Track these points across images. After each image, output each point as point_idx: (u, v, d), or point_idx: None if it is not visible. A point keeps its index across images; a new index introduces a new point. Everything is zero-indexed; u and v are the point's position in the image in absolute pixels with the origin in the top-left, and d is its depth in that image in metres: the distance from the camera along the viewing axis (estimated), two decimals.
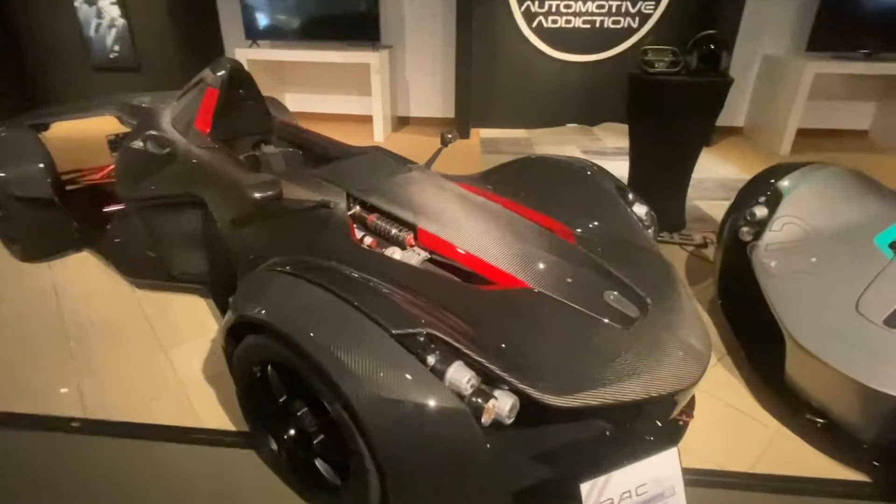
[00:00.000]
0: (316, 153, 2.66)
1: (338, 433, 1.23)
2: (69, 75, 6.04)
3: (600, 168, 2.31)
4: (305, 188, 1.91)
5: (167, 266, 2.35)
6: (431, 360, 1.16)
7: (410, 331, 1.20)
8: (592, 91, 5.63)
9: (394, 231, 1.80)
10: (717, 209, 3.41)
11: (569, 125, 5.81)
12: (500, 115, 5.75)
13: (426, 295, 1.45)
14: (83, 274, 2.62)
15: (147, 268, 2.46)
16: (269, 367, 1.41)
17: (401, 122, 6.03)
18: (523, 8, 5.30)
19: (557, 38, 5.41)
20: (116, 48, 5.84)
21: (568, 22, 5.35)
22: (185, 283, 2.36)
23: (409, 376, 1.13)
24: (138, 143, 2.57)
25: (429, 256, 1.75)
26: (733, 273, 2.19)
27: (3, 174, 2.46)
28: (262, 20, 5.19)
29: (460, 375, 1.14)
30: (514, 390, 1.18)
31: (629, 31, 5.35)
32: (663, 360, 1.38)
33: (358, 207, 1.90)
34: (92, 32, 5.81)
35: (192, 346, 2.10)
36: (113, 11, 5.68)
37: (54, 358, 2.02)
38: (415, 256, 1.73)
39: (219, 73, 2.43)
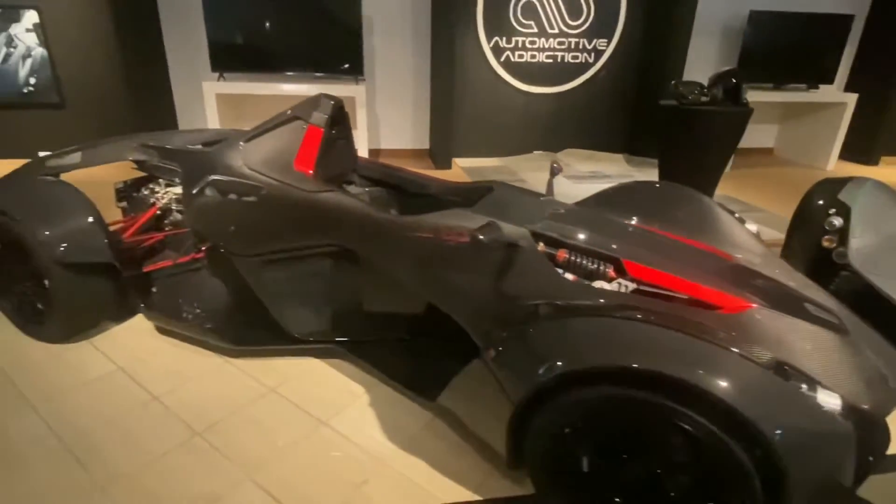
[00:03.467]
0: (409, 190, 2.52)
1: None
2: None
3: (695, 190, 2.49)
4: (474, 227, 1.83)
5: (286, 326, 2.06)
6: (804, 386, 1.19)
7: (765, 360, 1.22)
8: (556, 120, 6.01)
9: (593, 265, 1.79)
10: None
11: (536, 152, 6.11)
12: (473, 145, 5.88)
13: (698, 326, 1.46)
14: (153, 351, 2.18)
15: (254, 332, 2.12)
16: (581, 421, 1.33)
17: (371, 154, 5.89)
18: (492, 43, 5.54)
19: (524, 71, 5.72)
20: (31, 82, 5.00)
21: (533, 57, 5.68)
22: (308, 345, 2.08)
23: (807, 405, 1.14)
24: (212, 191, 2.25)
25: (636, 287, 1.76)
26: (821, 276, 2.48)
27: (49, 236, 1.98)
28: (232, 51, 4.78)
29: (828, 398, 1.19)
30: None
31: (586, 66, 5.82)
32: (874, 375, 1.50)
33: (542, 244, 1.86)
34: None
35: (354, 412, 1.86)
36: (28, 39, 4.86)
37: (200, 455, 1.66)
38: (625, 288, 1.73)
39: (323, 112, 2.22)
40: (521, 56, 5.65)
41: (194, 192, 2.30)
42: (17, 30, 4.83)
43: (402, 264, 1.83)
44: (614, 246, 1.81)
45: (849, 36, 5.73)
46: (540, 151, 6.13)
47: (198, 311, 2.25)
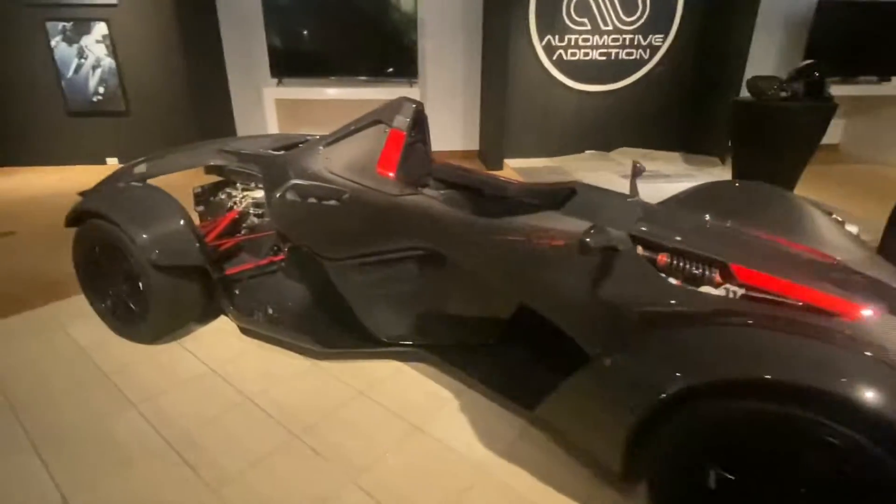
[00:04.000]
0: (485, 193, 2.49)
1: None
2: (35, 122, 5.27)
3: (784, 190, 2.37)
4: (572, 230, 1.78)
5: (373, 329, 2.05)
6: None
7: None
8: (608, 119, 5.88)
9: (698, 269, 1.71)
10: None
11: (588, 152, 6.00)
12: (524, 146, 5.81)
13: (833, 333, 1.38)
14: (241, 352, 2.21)
15: (341, 334, 2.13)
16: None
17: None
18: (544, 42, 5.46)
19: (576, 69, 5.62)
20: (101, 90, 5.21)
21: (586, 54, 5.58)
22: (394, 348, 2.07)
23: None
24: (295, 195, 2.28)
25: (744, 293, 1.68)
26: None
27: (146, 239, 2.03)
28: (291, 57, 4.87)
29: None
30: None
31: (641, 62, 5.68)
32: None
33: (640, 248, 1.79)
34: (70, 73, 5.13)
35: (447, 417, 1.83)
36: (98, 50, 5.07)
37: (301, 457, 1.66)
38: (733, 294, 1.65)
39: (405, 116, 2.22)
40: (573, 54, 5.56)
41: (277, 195, 2.33)
42: (87, 41, 5.04)
43: (494, 268, 1.79)
44: (718, 249, 1.72)
45: None
46: (592, 151, 6.01)
47: (284, 313, 2.27)
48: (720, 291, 1.67)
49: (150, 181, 2.50)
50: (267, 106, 4.78)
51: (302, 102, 5.03)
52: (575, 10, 5.37)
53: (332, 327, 2.15)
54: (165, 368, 2.10)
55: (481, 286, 1.85)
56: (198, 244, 2.15)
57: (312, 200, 2.26)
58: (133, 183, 2.37)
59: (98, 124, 5.34)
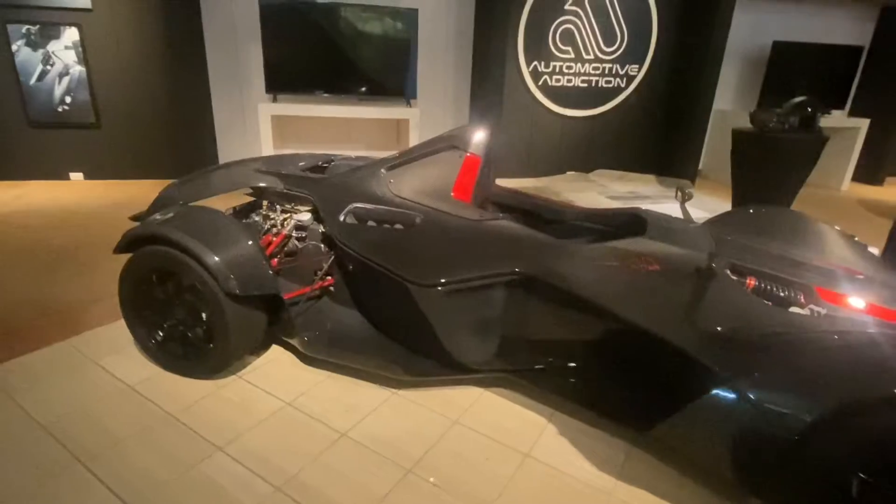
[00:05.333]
0: (543, 217, 2.54)
1: None
2: None
3: (807, 215, 2.60)
4: (666, 254, 1.87)
5: (458, 355, 2.02)
6: None
7: None
8: (588, 142, 6.16)
9: (784, 292, 1.84)
10: None
11: (569, 173, 6.24)
12: (511, 166, 5.95)
13: None
14: (311, 383, 2.10)
15: (421, 361, 2.07)
16: None
17: None
18: (531, 68, 5.66)
19: (560, 95, 5.86)
20: (67, 101, 4.81)
21: (569, 81, 5.84)
22: (478, 374, 2.05)
23: None
24: (354, 219, 2.23)
25: (827, 313, 1.82)
26: None
27: (220, 267, 1.90)
28: (287, 73, 4.74)
29: None
30: None
31: (618, 90, 6.02)
32: None
33: (728, 271, 1.90)
34: (33, 81, 4.71)
35: (549, 442, 1.83)
36: (67, 57, 4.69)
37: (424, 494, 1.60)
38: (818, 315, 1.79)
39: (480, 141, 2.24)
40: (557, 80, 5.80)
41: (342, 219, 2.27)
42: (55, 47, 4.65)
43: (593, 291, 1.83)
44: (805, 273, 1.87)
45: (859, 65, 6.13)
46: (573, 172, 6.26)
47: (353, 340, 2.19)
48: (806, 312, 1.81)
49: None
50: (262, 122, 4.60)
51: (291, 119, 4.89)
52: (560, 39, 5.62)
53: (410, 353, 2.10)
54: (237, 405, 1.96)
55: (575, 309, 1.89)
56: (271, 271, 2.04)
57: (376, 224, 2.22)
58: (195, 206, 2.21)
59: (63, 137, 4.90)
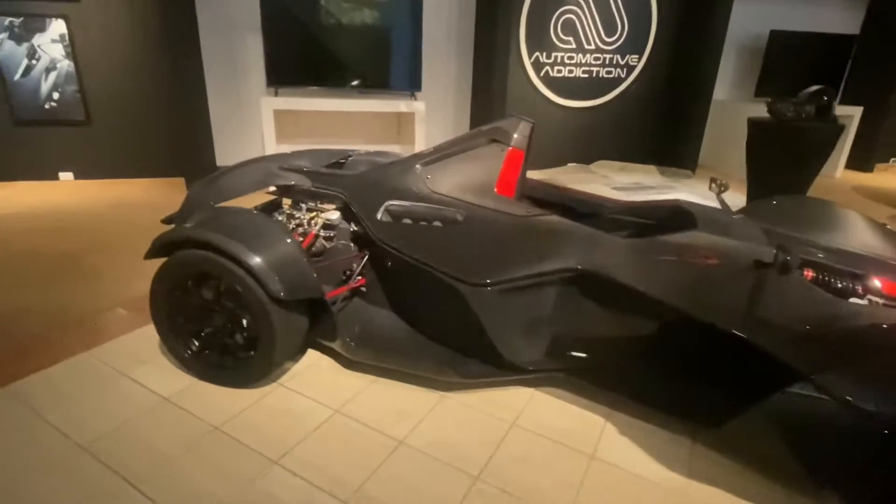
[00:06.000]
0: (580, 211, 2.49)
1: None
2: None
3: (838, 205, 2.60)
4: (725, 248, 1.84)
5: (509, 354, 1.96)
6: None
7: None
8: (588, 133, 6.14)
9: (841, 283, 1.83)
10: None
11: (570, 164, 6.21)
12: None
13: None
14: (355, 389, 2.00)
15: (471, 363, 2.01)
16: None
17: None
18: (533, 58, 5.60)
19: (561, 85, 5.82)
20: (55, 97, 4.58)
21: (570, 72, 5.80)
22: (530, 374, 2.00)
23: None
24: (403, 216, 2.16)
25: (884, 303, 1.82)
26: None
27: (267, 270, 1.80)
28: (289, 66, 4.58)
29: None
30: None
31: (619, 80, 6.00)
32: None
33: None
34: (18, 76, 4.47)
35: (610, 441, 1.79)
36: (54, 51, 4.46)
37: None
38: (876, 304, 1.78)
39: (523, 135, 2.17)
40: (559, 71, 5.75)
41: (379, 217, 2.18)
42: (41, 40, 4.42)
43: (656, 286, 1.78)
44: (859, 264, 1.86)
45: (851, 53, 6.23)
46: (574, 164, 6.24)
47: (397, 342, 2.11)
48: (864, 303, 1.79)
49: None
50: (265, 117, 4.45)
51: (291, 114, 4.75)
52: (562, 30, 5.57)
53: (456, 354, 2.03)
54: (284, 414, 1.87)
55: (637, 305, 1.84)
56: (315, 274, 1.95)
57: (411, 221, 2.15)
58: (229, 207, 2.11)
59: (51, 134, 4.67)
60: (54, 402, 1.89)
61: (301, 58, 4.61)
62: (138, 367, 2.11)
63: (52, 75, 4.52)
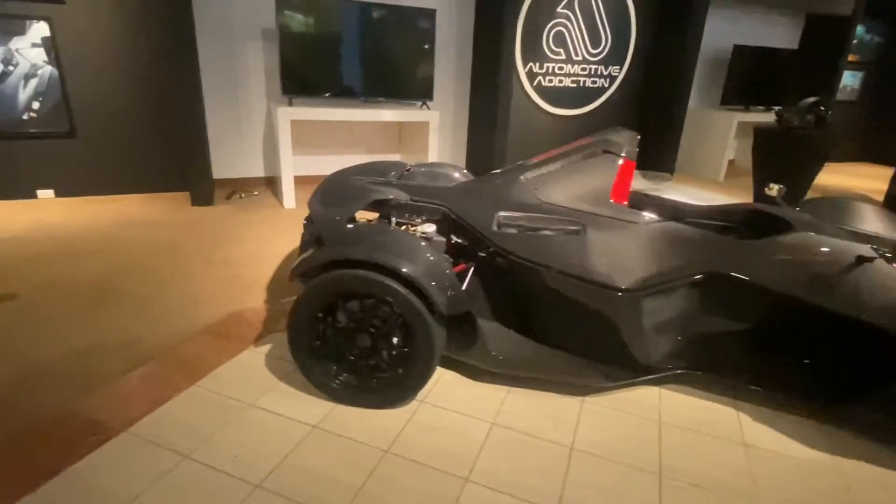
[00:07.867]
0: (663, 215, 2.63)
1: None
2: None
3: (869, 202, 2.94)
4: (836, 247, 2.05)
5: (642, 356, 2.05)
6: None
7: None
8: (575, 139, 6.39)
9: None
10: None
11: None
12: (503, 164, 6.04)
13: None
14: (485, 399, 1.99)
15: (611, 367, 2.08)
16: None
17: None
18: (527, 69, 5.78)
19: (551, 95, 6.04)
20: (35, 106, 4.15)
21: (560, 81, 6.03)
22: (667, 373, 2.10)
23: None
24: (524, 229, 2.20)
25: None
26: None
27: (432, 285, 1.76)
28: (304, 76, 4.42)
29: None
30: None
31: (602, 90, 6.32)
32: None
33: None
34: None
35: (754, 427, 1.93)
36: (34, 56, 4.05)
37: None
38: None
39: (633, 146, 2.29)
40: (550, 81, 5.97)
41: (497, 228, 2.20)
42: (19, 44, 3.98)
43: (785, 283, 1.95)
44: None
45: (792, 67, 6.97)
46: None
47: (529, 350, 2.14)
48: None
49: None
50: (281, 127, 4.26)
51: (298, 123, 4.59)
52: (553, 41, 5.79)
53: (584, 360, 2.10)
54: (445, 431, 1.84)
55: (768, 301, 1.99)
56: (462, 287, 1.94)
57: (553, 233, 2.19)
58: (367, 223, 2.04)
59: (29, 148, 4.21)
60: (196, 443, 1.74)
61: (317, 66, 4.48)
62: (261, 395, 1.99)
63: (33, 82, 4.08)
